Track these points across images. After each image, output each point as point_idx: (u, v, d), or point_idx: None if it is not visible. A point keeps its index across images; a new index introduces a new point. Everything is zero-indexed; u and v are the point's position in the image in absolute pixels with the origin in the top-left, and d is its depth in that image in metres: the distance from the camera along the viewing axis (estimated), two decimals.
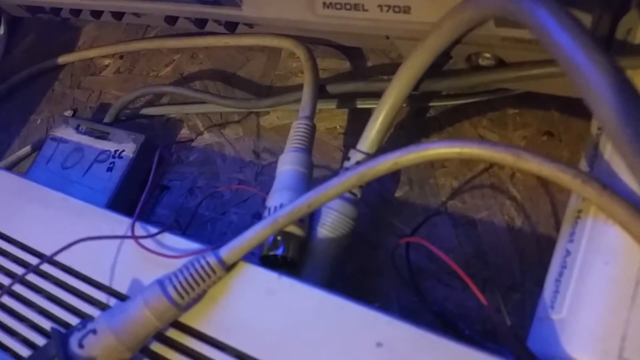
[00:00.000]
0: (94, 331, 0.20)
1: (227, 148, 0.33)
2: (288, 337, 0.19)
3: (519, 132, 0.26)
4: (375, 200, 0.27)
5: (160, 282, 0.20)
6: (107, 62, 0.42)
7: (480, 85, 0.25)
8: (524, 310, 0.22)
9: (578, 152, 0.22)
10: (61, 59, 0.43)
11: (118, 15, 0.37)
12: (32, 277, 0.25)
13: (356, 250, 0.25)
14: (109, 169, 0.33)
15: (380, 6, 0.23)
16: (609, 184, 0.17)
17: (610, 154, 0.19)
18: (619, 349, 0.16)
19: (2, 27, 0.42)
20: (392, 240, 0.26)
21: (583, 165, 0.20)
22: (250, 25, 0.31)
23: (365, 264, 0.25)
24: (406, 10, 0.22)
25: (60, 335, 0.20)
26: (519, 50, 0.22)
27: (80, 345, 0.20)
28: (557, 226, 0.23)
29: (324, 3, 0.24)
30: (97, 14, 0.37)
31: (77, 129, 0.36)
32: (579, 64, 0.16)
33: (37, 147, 0.39)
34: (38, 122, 0.42)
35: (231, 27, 0.31)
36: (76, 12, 0.39)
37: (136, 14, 0.36)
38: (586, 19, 0.19)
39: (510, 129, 0.26)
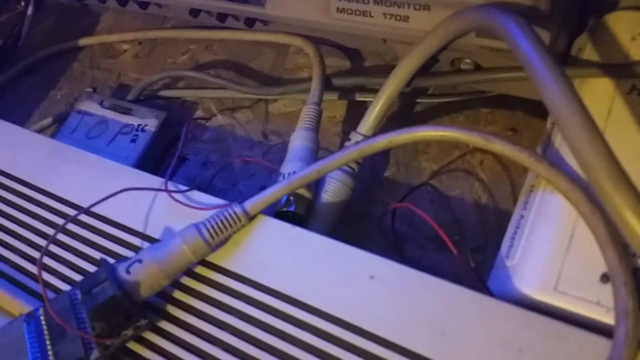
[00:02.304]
0: (139, 261, 0.24)
1: (238, 129, 0.37)
2: (297, 272, 0.24)
3: (489, 128, 0.31)
4: (368, 178, 0.32)
5: (196, 225, 0.25)
6: (125, 47, 0.46)
7: (460, 84, 0.30)
8: (485, 268, 0.27)
9: (536, 145, 0.27)
10: (82, 41, 0.47)
11: (143, 5, 0.41)
12: (73, 227, 0.29)
13: (350, 217, 0.30)
14: (133, 140, 0.37)
15: (384, 14, 0.28)
16: (556, 164, 0.23)
17: (559, 142, 0.24)
18: (555, 284, 0.21)
19: (31, 7, 0.45)
20: (380, 210, 0.31)
21: (538, 150, 0.26)
22: (265, 23, 0.36)
23: (356, 228, 0.30)
24: (405, 19, 0.28)
25: (109, 263, 0.25)
26: (493, 57, 0.27)
27: (127, 272, 0.24)
28: (515, 203, 0.28)
29: (338, 8, 0.29)
30: (123, 2, 0.42)
31: (101, 103, 0.40)
32: (538, 70, 0.21)
33: (59, 119, 0.43)
34: (58, 97, 0.46)
35: (250, 22, 0.36)
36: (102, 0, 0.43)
37: (159, 5, 0.41)
38: (545, 36, 0.24)
39: (481, 125, 0.32)
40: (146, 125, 0.37)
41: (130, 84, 0.43)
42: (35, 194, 0.32)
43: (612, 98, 0.25)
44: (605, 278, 0.21)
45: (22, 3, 0.47)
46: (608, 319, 0.20)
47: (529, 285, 0.22)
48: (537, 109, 0.30)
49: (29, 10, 0.45)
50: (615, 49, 0.26)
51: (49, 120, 0.43)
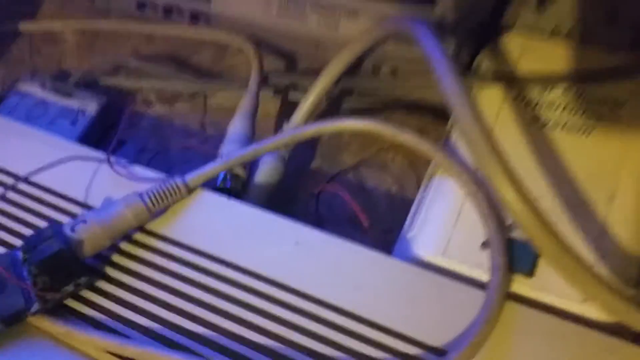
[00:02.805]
0: (84, 221, 0.26)
1: (176, 119, 0.40)
2: (230, 238, 0.27)
3: None
4: (297, 168, 0.35)
5: (139, 192, 0.27)
6: (68, 35, 0.47)
7: (378, 87, 0.34)
8: (392, 245, 0.31)
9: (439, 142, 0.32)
10: (22, 27, 0.47)
11: None
12: (16, 196, 0.31)
13: (278, 200, 0.33)
14: (72, 123, 0.38)
15: (318, 20, 0.32)
16: (452, 155, 0.28)
17: (455, 138, 0.29)
18: (444, 250, 0.26)
19: None
20: (305, 196, 0.34)
21: (439, 144, 0.30)
22: (209, 20, 0.39)
23: (284, 210, 0.33)
24: (335, 25, 0.32)
25: (56, 222, 0.26)
26: (407, 64, 0.32)
27: (72, 230, 0.26)
28: None
29: (278, 10, 0.33)
30: None
31: (42, 86, 0.41)
32: (442, 74, 0.26)
33: None
34: None
35: (194, 19, 0.39)
36: None
37: None
38: (449, 46, 0.29)
39: None
40: (86, 108, 0.39)
41: (69, 72, 0.44)
42: None
43: (501, 102, 0.30)
44: (485, 245, 0.25)
45: None
46: (486, 278, 0.25)
47: (423, 250, 0.26)
48: (443, 116, 0.35)
49: None
50: (506, 64, 0.31)
51: None
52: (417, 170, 0.34)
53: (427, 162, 0.31)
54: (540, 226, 0.23)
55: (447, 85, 0.24)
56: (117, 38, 0.46)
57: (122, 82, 0.42)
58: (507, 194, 0.24)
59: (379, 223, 0.33)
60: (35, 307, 0.26)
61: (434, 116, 0.36)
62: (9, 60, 0.47)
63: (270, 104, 0.39)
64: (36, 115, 0.40)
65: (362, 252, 0.26)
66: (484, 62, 0.32)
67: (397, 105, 0.37)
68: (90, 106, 0.39)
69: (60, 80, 0.43)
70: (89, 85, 0.42)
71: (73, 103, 0.39)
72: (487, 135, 0.24)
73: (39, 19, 0.49)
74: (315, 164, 0.36)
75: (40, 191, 0.31)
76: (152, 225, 0.28)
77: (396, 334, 0.23)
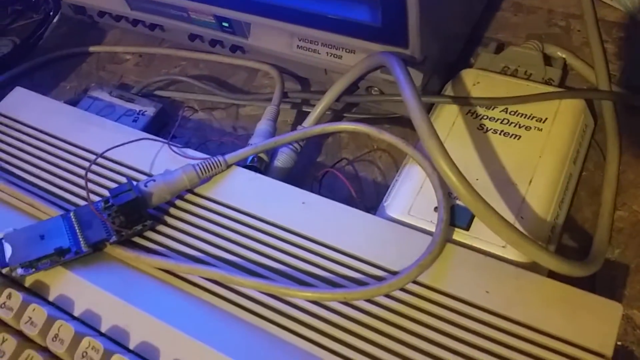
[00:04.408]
0: (154, 180, 0.37)
1: (214, 123, 0.51)
2: (256, 199, 0.38)
3: None
4: (305, 160, 0.46)
5: (192, 164, 0.38)
6: (128, 57, 0.59)
7: (371, 102, 0.46)
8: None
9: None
10: (92, 48, 0.60)
11: (152, 27, 0.55)
12: (96, 167, 0.42)
13: (291, 182, 0.44)
14: (134, 121, 0.50)
15: (327, 53, 0.43)
16: (419, 149, 0.38)
17: None
18: (409, 210, 0.36)
19: (57, 15, 0.58)
20: (310, 180, 0.45)
21: (410, 142, 0.41)
22: (244, 51, 0.51)
23: None
24: (339, 57, 0.43)
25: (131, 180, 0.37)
26: (391, 87, 0.43)
27: (145, 185, 0.37)
28: None
29: (298, 45, 0.44)
30: (134, 22, 0.55)
31: (110, 93, 0.52)
32: (407, 98, 0.37)
33: (70, 103, 0.55)
34: (67, 88, 0.58)
35: (234, 49, 0.51)
36: (117, 18, 0.56)
37: (162, 29, 0.55)
38: (418, 75, 0.40)
39: None
40: (146, 111, 0.50)
41: (130, 85, 0.56)
42: (68, 145, 0.44)
43: (456, 115, 0.41)
44: (436, 209, 0.36)
45: (44, 13, 0.59)
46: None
47: (394, 211, 0.37)
48: None
49: (56, 18, 0.58)
50: (463, 89, 0.43)
51: (61, 102, 0.55)
52: (398, 165, 0.45)
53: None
54: (469, 195, 0.33)
55: (407, 100, 0.35)
56: (169, 62, 0.57)
57: (174, 94, 0.54)
58: (448, 175, 0.34)
59: (365, 202, 0.43)
60: (113, 239, 0.36)
61: (412, 127, 0.47)
62: (80, 74, 0.59)
63: (288, 115, 0.50)
64: (105, 114, 0.51)
65: (350, 210, 0.36)
66: (448, 87, 0.43)
67: (384, 118, 0.48)
68: (149, 110, 0.50)
69: (123, 90, 0.55)
70: (146, 95, 0.54)
71: (135, 107, 0.51)
72: (435, 137, 0.35)
73: (105, 43, 0.61)
74: (321, 158, 0.47)
75: (115, 164, 0.42)
76: (199, 189, 0.39)
77: (370, 262, 0.34)
